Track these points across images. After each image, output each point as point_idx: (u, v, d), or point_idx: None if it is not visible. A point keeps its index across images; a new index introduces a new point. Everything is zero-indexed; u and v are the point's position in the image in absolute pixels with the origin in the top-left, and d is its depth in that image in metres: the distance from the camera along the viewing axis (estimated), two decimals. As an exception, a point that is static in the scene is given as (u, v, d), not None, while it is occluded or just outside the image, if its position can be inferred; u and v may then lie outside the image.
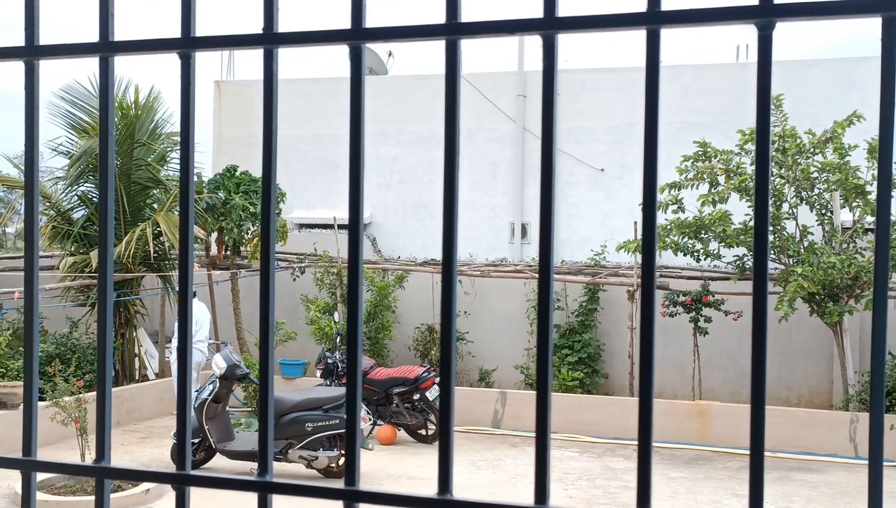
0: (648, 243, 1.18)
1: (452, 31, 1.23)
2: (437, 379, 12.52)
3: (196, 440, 10.62)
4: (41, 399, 11.86)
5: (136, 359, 14.45)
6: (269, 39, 1.30)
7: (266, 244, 1.28)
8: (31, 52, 1.37)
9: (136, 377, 14.28)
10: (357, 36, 1.27)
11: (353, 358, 1.25)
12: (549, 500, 1.15)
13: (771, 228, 12.59)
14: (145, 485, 9.63)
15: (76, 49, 1.35)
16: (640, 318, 1.17)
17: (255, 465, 10.36)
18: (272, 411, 1.27)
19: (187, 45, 1.31)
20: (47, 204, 14.32)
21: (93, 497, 9.09)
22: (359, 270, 1.24)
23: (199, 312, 12.94)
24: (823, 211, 12.80)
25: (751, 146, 12.74)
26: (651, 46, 1.18)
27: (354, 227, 1.26)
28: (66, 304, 14.07)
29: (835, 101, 14.36)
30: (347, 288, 1.27)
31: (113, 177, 1.32)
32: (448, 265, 1.19)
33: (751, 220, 12.79)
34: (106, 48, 1.34)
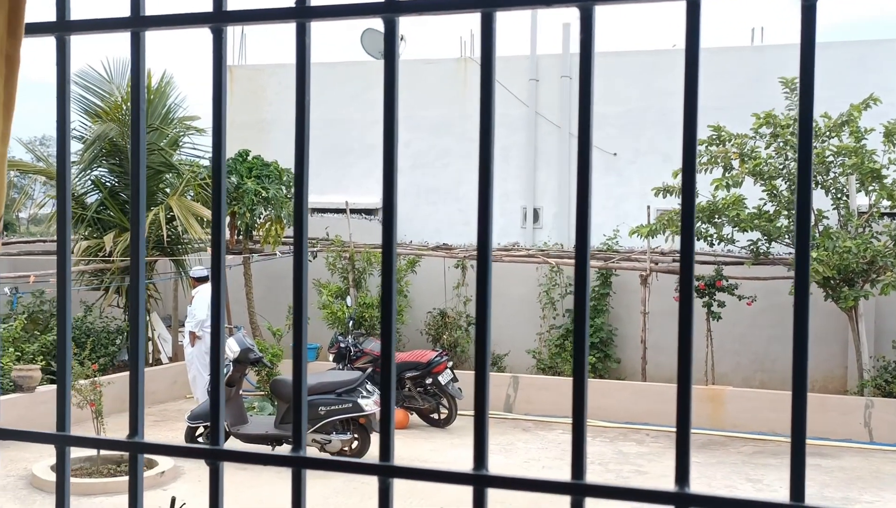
0: (687, 235, 1.17)
1: (489, 2, 1.22)
2: (450, 363, 12.57)
3: (209, 424, 10.66)
4: (55, 382, 11.94)
5: (150, 343, 14.51)
6: (302, 13, 1.29)
7: (299, 222, 1.27)
8: (62, 28, 1.37)
9: (150, 361, 14.34)
10: (390, 9, 1.26)
11: (387, 339, 1.25)
12: (585, 476, 1.15)
13: (785, 212, 12.54)
14: (160, 467, 9.69)
15: (107, 24, 1.35)
16: (678, 308, 1.16)
17: (268, 448, 10.41)
18: (305, 391, 1.27)
19: (219, 19, 1.31)
20: (61, 188, 14.33)
21: (107, 479, 9.16)
22: (392, 253, 1.24)
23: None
24: (839, 195, 12.73)
25: (765, 130, 12.68)
26: (691, 19, 1.17)
27: (388, 209, 1.25)
28: (79, 288, 14.12)
29: (851, 83, 14.25)
30: (382, 274, 1.26)
31: (144, 153, 1.31)
32: (483, 244, 1.18)
33: (765, 204, 12.74)
34: (137, 23, 1.33)
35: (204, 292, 12.91)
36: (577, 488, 1.14)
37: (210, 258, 1.34)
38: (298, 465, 1.23)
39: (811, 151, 1.12)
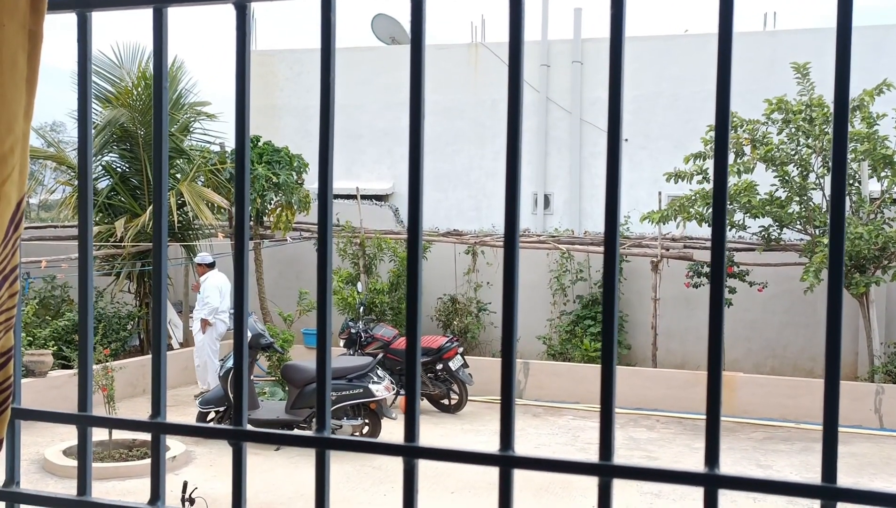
0: (719, 225, 1.15)
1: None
2: (460, 349, 12.57)
3: (221, 409, 10.70)
4: (68, 368, 11.99)
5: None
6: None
7: (324, 204, 1.26)
8: (84, 4, 1.36)
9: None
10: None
11: (413, 323, 1.24)
12: (613, 457, 1.13)
13: (797, 198, 12.48)
14: (172, 452, 9.72)
15: (129, 0, 1.33)
16: (709, 296, 1.15)
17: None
18: (329, 372, 1.26)
19: (242, -5, 1.29)
20: (72, 174, 14.38)
21: (119, 464, 9.20)
22: (418, 240, 1.22)
23: (223, 283, 13.04)
24: (851, 181, 12.65)
25: (777, 116, 12.60)
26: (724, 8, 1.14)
27: (414, 191, 1.23)
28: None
29: (864, 69, 14.14)
30: (407, 260, 1.25)
31: (167, 133, 1.30)
32: (511, 231, 1.17)
33: (777, 190, 12.68)
34: None
35: (213, 279, 12.93)
36: (606, 469, 1.13)
37: (234, 242, 1.33)
38: (322, 445, 1.22)
39: (846, 136, 1.10)
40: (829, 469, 1.07)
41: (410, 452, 1.21)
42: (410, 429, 1.22)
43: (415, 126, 1.20)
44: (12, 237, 1.08)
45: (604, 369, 1.14)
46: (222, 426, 1.28)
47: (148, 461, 9.47)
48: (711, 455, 1.10)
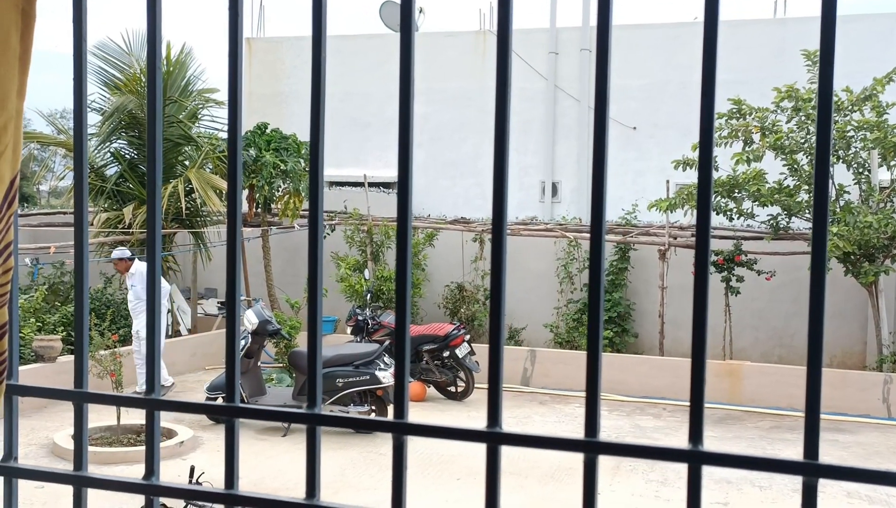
0: (703, 213, 1.16)
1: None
2: (467, 337, 12.59)
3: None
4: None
5: (169, 315, 14.60)
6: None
7: (315, 191, 1.27)
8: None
9: (169, 333, 14.44)
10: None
11: (402, 308, 1.25)
12: (598, 434, 1.15)
13: (806, 186, 12.44)
14: (180, 437, 9.77)
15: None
16: (693, 280, 1.15)
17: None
18: (321, 354, 1.27)
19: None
20: (80, 161, 14.40)
21: (127, 449, 9.25)
22: (408, 221, 1.24)
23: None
24: (861, 170, 12.61)
25: (787, 104, 12.55)
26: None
27: (404, 180, 1.24)
28: (99, 260, 14.21)
29: (874, 58, 14.08)
30: (397, 244, 1.26)
31: (161, 106, 1.31)
32: (499, 211, 1.17)
33: (785, 178, 12.64)
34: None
35: (143, 269, 12.01)
36: (591, 446, 1.14)
37: (227, 225, 1.35)
38: (313, 422, 1.24)
39: (830, 125, 1.11)
40: (812, 446, 1.08)
41: (399, 428, 1.23)
42: (399, 406, 1.24)
43: (405, 111, 1.21)
44: (6, 215, 1.09)
45: (589, 349, 1.15)
46: (214, 403, 1.29)
47: (156, 446, 9.54)
48: (695, 433, 1.12)
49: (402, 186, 1.21)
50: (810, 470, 1.05)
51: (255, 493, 1.28)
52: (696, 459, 1.10)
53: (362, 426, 1.25)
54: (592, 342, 1.14)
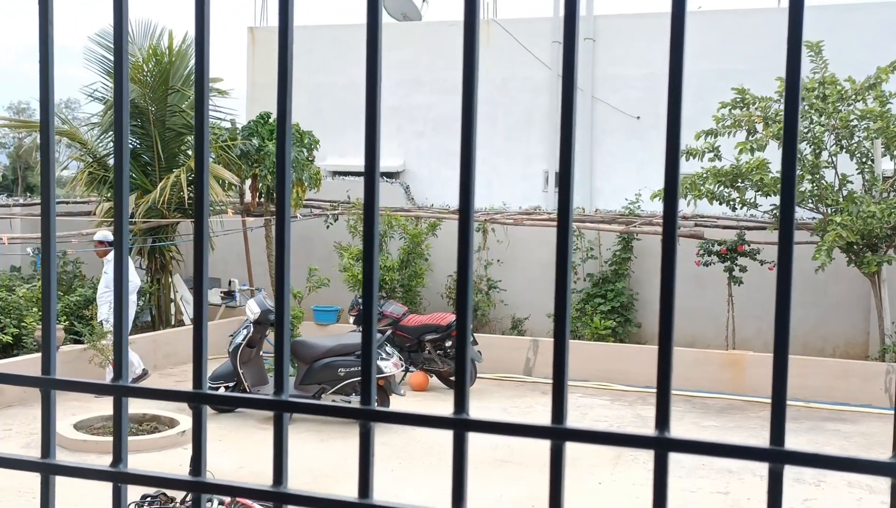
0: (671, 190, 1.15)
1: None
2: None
3: (231, 384, 10.76)
4: (79, 343, 12.06)
5: (173, 305, 14.63)
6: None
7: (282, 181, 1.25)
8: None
9: (173, 323, 14.46)
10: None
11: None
12: (565, 420, 1.13)
13: (810, 176, 12.39)
14: (181, 427, 9.79)
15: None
16: (661, 262, 1.14)
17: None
18: (288, 331, 1.26)
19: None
20: (84, 150, 14.43)
21: (131, 439, 9.27)
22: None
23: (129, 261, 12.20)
24: (864, 159, 12.56)
25: (790, 93, 12.49)
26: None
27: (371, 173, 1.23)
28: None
29: (877, 46, 14.01)
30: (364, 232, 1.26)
31: (127, 69, 1.30)
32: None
33: (789, 168, 12.58)
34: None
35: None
36: (558, 432, 1.13)
37: (276, 215, 1.33)
38: (280, 408, 1.23)
39: (797, 115, 1.09)
40: (778, 432, 1.06)
41: (366, 415, 1.21)
42: (366, 394, 1.22)
43: (371, 97, 1.20)
44: None
45: (556, 334, 1.14)
46: (182, 390, 1.28)
47: (158, 435, 9.56)
48: (662, 419, 1.10)
49: (369, 172, 1.20)
50: (776, 457, 1.04)
51: (226, 482, 1.28)
52: (661, 446, 1.08)
53: (330, 414, 1.24)
54: (559, 327, 1.12)
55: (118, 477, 1.30)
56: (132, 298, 11.94)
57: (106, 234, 11.83)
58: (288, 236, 1.24)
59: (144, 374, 11.62)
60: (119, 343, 1.31)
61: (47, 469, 1.31)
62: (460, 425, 1.17)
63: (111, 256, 11.46)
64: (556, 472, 1.12)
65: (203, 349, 1.29)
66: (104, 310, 11.41)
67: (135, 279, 11.78)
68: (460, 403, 1.18)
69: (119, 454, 1.31)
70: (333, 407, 1.25)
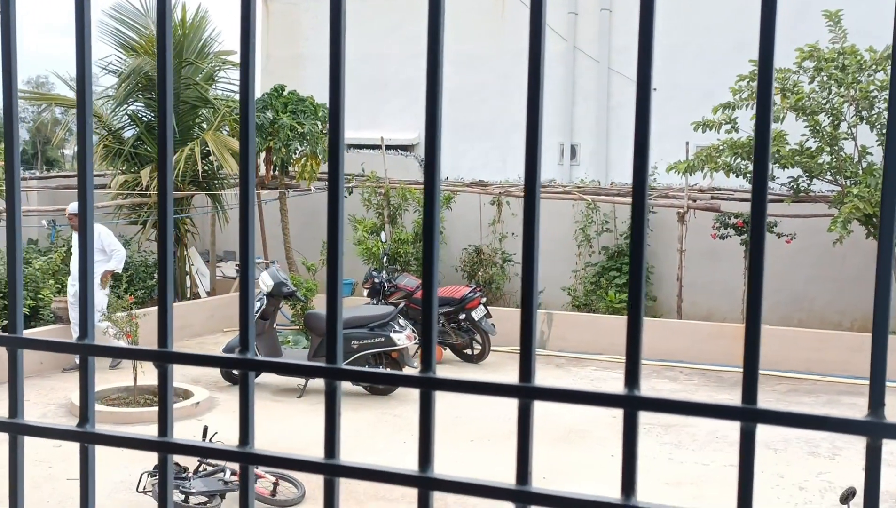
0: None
1: None
2: (483, 299, 12.56)
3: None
4: (95, 315, 12.11)
5: (188, 277, 14.68)
6: None
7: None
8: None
9: (188, 296, 14.52)
10: None
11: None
12: (533, 380, 1.10)
13: (828, 148, 12.25)
14: (196, 398, 9.85)
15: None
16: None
17: (301, 381, 10.52)
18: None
19: None
20: (98, 123, 14.45)
21: (143, 409, 9.35)
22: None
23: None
24: (884, 131, 12.36)
25: (809, 64, 12.32)
26: None
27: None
28: (117, 222, 14.28)
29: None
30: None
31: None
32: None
33: (807, 140, 12.44)
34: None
35: (102, 228, 11.70)
36: (525, 391, 1.10)
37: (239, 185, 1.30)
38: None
39: (771, 88, 1.04)
40: (750, 391, 1.03)
41: (333, 374, 1.18)
42: (332, 351, 1.19)
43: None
44: None
45: (523, 297, 1.10)
46: (148, 348, 1.26)
47: (175, 406, 9.61)
48: (631, 377, 1.07)
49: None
50: (747, 415, 1.00)
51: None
52: (630, 404, 1.05)
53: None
54: (526, 291, 1.09)
55: (85, 438, 1.28)
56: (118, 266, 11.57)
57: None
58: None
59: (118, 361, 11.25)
60: (84, 302, 1.29)
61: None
62: (428, 383, 1.14)
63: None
64: (524, 430, 1.09)
65: (168, 309, 1.26)
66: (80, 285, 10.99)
67: (120, 249, 11.49)
68: (427, 362, 1.15)
69: (86, 414, 1.28)
70: (391, 375, 1.21)
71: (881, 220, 1.01)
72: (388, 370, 1.24)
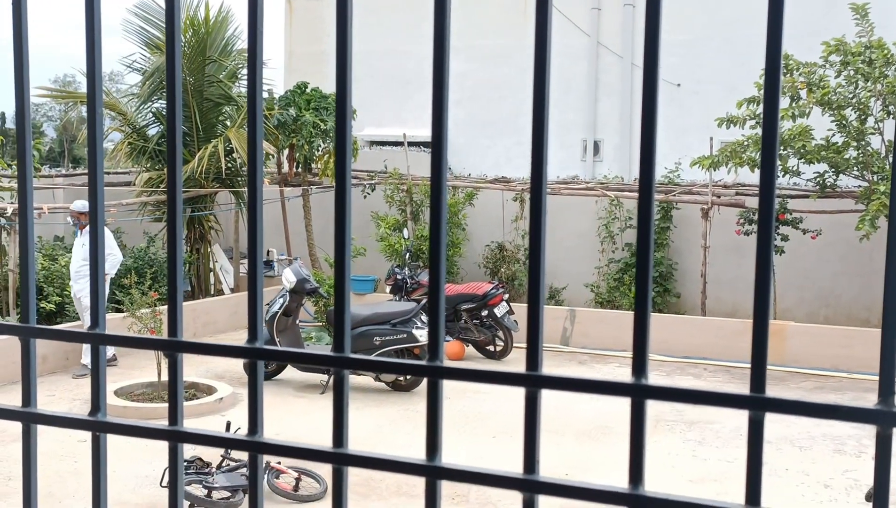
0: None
1: None
2: (506, 296, 12.54)
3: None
4: (119, 311, 12.22)
5: (212, 274, 14.76)
6: None
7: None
8: None
9: (212, 292, 14.60)
10: None
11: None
12: (541, 368, 1.09)
13: (855, 143, 12.12)
14: (219, 394, 9.91)
15: None
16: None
17: (324, 377, 10.56)
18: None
19: None
20: (123, 121, 14.56)
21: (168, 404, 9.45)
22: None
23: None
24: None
25: (835, 58, 12.20)
26: None
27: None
28: (142, 218, 14.37)
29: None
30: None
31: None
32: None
33: (833, 135, 12.32)
34: None
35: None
36: (532, 380, 1.09)
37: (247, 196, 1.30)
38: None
39: (779, 76, 1.03)
40: (759, 380, 1.01)
41: (339, 363, 1.18)
42: (339, 340, 1.19)
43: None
44: None
45: (530, 288, 1.09)
46: (158, 337, 1.26)
47: (195, 402, 9.66)
48: (639, 367, 1.06)
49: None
50: (757, 404, 0.99)
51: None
52: (638, 393, 1.04)
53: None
54: (533, 282, 1.08)
55: (97, 426, 1.28)
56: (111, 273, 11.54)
57: (86, 203, 11.51)
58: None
59: (113, 359, 11.33)
60: (95, 293, 1.29)
61: (29, 419, 1.30)
62: (434, 372, 1.13)
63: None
64: (531, 420, 1.08)
65: (177, 306, 1.26)
66: (82, 284, 11.04)
67: (117, 254, 11.44)
68: (433, 351, 1.14)
69: (97, 403, 1.29)
70: (397, 364, 1.22)
71: (890, 211, 1.00)
72: (397, 360, 1.24)
